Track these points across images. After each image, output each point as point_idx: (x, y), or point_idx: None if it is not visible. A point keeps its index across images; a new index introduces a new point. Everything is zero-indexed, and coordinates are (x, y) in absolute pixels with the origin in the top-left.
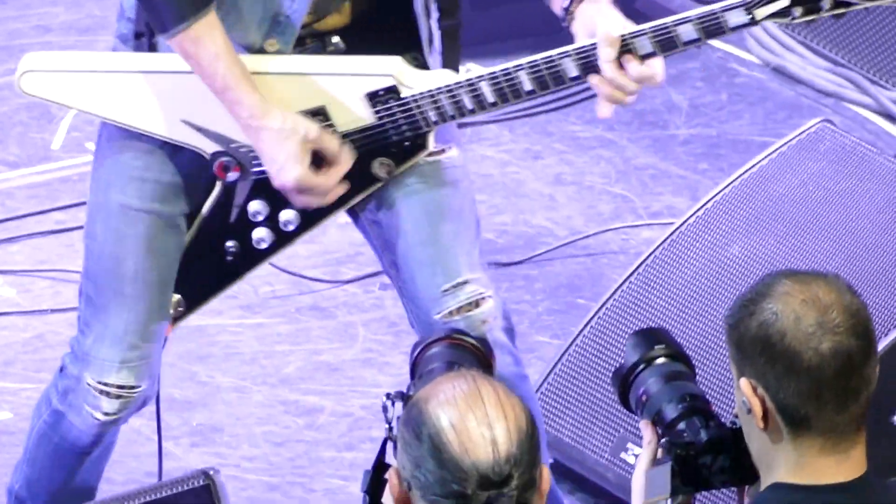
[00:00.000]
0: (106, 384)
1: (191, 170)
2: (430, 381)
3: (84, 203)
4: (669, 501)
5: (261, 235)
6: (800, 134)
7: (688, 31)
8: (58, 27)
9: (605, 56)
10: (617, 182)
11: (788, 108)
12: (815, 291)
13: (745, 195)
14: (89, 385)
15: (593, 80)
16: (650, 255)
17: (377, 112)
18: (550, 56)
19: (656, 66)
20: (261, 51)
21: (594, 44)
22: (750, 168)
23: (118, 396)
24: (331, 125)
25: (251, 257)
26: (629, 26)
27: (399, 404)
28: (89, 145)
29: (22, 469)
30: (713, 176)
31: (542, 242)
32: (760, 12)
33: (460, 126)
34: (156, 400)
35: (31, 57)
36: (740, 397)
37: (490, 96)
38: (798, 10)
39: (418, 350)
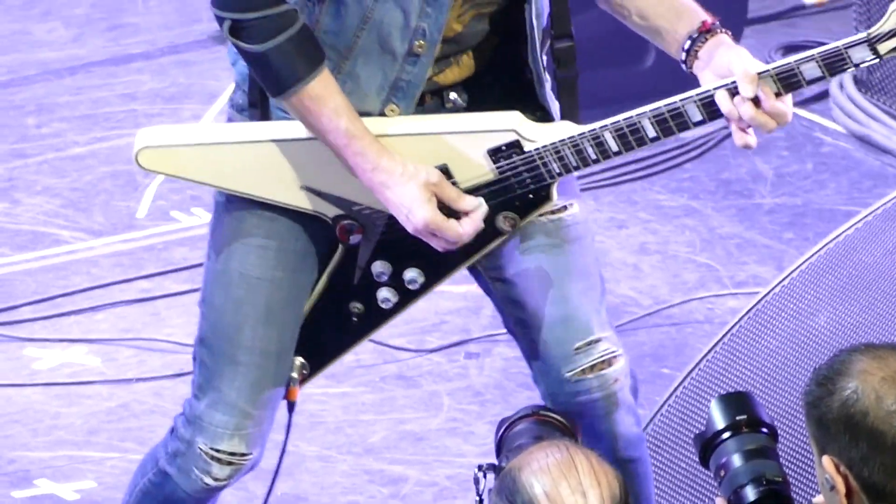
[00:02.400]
0: (218, 450)
1: (313, 235)
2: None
3: (169, 271)
4: None
5: (385, 295)
6: (885, 203)
7: (811, 70)
8: (143, 95)
9: (746, 92)
10: (702, 251)
11: (874, 178)
12: (894, 367)
13: (830, 265)
14: (201, 450)
15: (729, 111)
16: (735, 324)
17: (499, 167)
18: (673, 102)
19: (788, 103)
20: (381, 115)
21: (712, 88)
22: (835, 237)
23: (229, 463)
24: (454, 182)
25: (376, 317)
26: (761, 65)
27: (491, 476)
28: (175, 214)
29: None
30: (798, 245)
31: (627, 312)
32: (884, 47)
33: None
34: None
35: (146, 132)
36: (822, 475)
37: (614, 145)
38: None
39: (505, 427)
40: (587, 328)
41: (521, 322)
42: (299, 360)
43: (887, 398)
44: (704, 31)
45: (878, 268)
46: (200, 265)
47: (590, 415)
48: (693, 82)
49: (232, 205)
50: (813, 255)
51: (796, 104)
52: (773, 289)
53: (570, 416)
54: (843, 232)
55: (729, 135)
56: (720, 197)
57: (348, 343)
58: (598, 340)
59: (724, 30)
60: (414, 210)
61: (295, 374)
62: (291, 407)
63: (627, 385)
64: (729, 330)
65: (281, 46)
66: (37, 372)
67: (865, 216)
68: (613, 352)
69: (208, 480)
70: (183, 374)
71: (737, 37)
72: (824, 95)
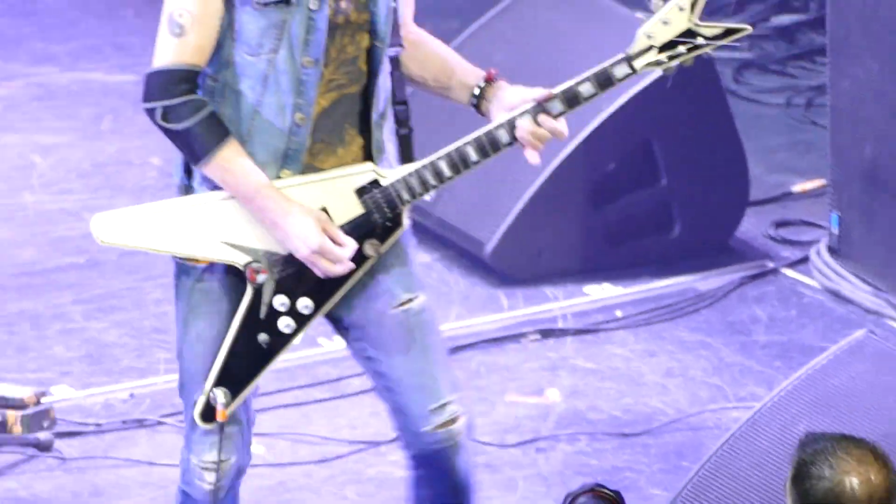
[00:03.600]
0: (204, 462)
1: (233, 286)
2: None
3: (315, 384)
4: None
5: (287, 322)
6: (850, 340)
7: (587, 88)
8: None
9: (553, 108)
10: (713, 375)
11: (843, 322)
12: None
13: (809, 386)
14: (195, 464)
15: (521, 134)
16: (737, 429)
17: (363, 201)
18: (489, 129)
19: (563, 124)
20: (276, 179)
21: (517, 113)
22: (812, 366)
23: (214, 469)
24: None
25: (280, 343)
26: (545, 90)
27: None
28: (320, 340)
29: None
30: (785, 372)
31: (657, 419)
32: (638, 63)
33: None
34: None
35: (99, 216)
36: None
37: (447, 170)
38: (664, 57)
39: (569, 500)
40: (439, 394)
41: (386, 388)
42: (221, 389)
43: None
44: (489, 80)
45: (845, 389)
46: (338, 379)
47: (439, 458)
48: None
49: (179, 280)
50: (796, 379)
51: (786, 266)
52: (765, 404)
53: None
54: (819, 362)
55: (734, 288)
56: (727, 335)
57: (258, 370)
58: (447, 403)
59: (502, 78)
60: (309, 237)
61: (223, 400)
62: (221, 427)
63: (465, 433)
64: (732, 433)
65: (198, 123)
66: None
67: (835, 350)
68: (458, 412)
69: (205, 486)
70: (326, 460)
71: (739, 216)
72: (806, 260)
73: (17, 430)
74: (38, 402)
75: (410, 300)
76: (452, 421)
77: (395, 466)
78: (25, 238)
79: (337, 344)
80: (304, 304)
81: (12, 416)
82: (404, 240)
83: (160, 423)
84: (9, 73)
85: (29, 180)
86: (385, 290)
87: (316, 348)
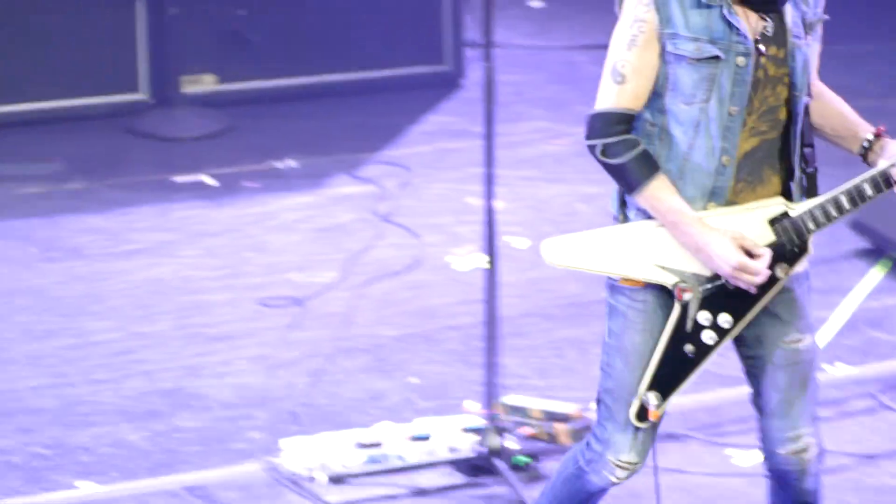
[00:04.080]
0: (620, 461)
1: (662, 303)
2: None
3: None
4: None
5: (710, 335)
6: None
7: None
8: None
9: None
10: None
11: None
12: None
13: None
14: (609, 460)
15: None
16: None
17: (775, 230)
18: (883, 169)
19: None
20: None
21: None
22: None
23: (626, 469)
24: None
25: (702, 354)
26: None
27: None
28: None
29: (546, 496)
30: None
31: None
32: None
33: None
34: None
35: (548, 241)
36: None
37: (846, 204)
38: None
39: None
40: (797, 425)
41: (756, 405)
42: (654, 393)
43: None
44: (878, 135)
45: None
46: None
47: (788, 478)
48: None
49: (615, 299)
50: None
51: None
52: None
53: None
54: None
55: None
56: None
57: (684, 377)
58: (803, 435)
59: (887, 135)
60: (730, 257)
61: (655, 402)
62: (655, 426)
63: (815, 462)
64: None
65: (632, 159)
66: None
67: None
68: (811, 443)
69: (613, 479)
70: (833, 471)
71: None
72: None
73: (566, 441)
74: (581, 417)
75: (801, 340)
76: (804, 450)
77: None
78: (571, 274)
79: (840, 370)
80: (725, 319)
81: (561, 428)
82: (802, 285)
83: (687, 436)
84: (557, 132)
85: (573, 226)
86: (783, 325)
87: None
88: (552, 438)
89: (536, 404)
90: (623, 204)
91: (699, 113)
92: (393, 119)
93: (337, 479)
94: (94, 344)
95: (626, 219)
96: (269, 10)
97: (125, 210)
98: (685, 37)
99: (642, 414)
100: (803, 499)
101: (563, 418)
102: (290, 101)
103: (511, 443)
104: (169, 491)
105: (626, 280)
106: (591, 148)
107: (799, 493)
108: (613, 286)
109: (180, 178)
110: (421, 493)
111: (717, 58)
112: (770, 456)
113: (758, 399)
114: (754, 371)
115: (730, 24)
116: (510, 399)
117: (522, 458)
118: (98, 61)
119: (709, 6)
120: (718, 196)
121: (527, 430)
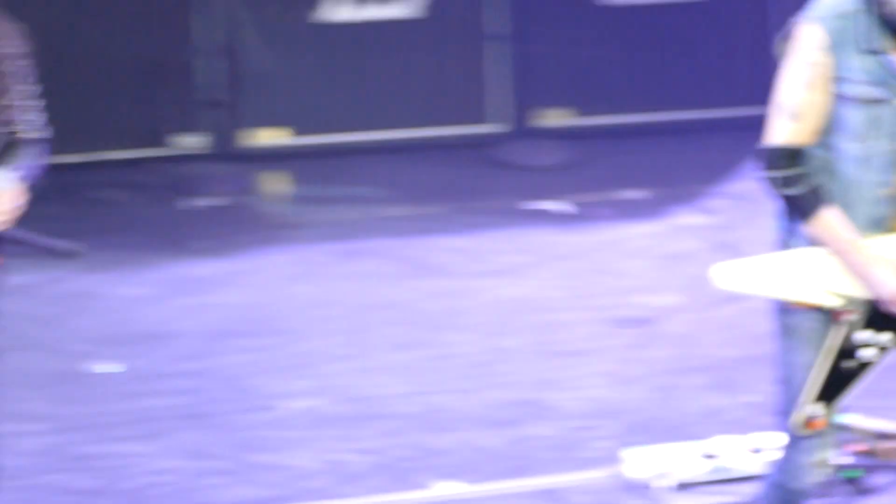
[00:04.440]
0: (814, 461)
1: (823, 320)
2: None
3: None
4: None
5: (869, 353)
6: None
7: None
8: None
9: None
10: None
11: None
12: None
13: None
14: (804, 464)
15: None
16: None
17: None
18: None
19: None
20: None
21: None
22: None
23: (822, 466)
24: None
25: (863, 367)
26: None
27: None
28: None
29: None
30: None
31: None
32: None
33: None
34: None
35: (719, 266)
36: None
37: None
38: None
39: None
40: None
41: None
42: (821, 404)
43: None
44: None
45: None
46: None
47: None
48: None
49: (787, 320)
50: None
51: None
52: None
53: None
54: None
55: None
56: None
57: (844, 388)
58: None
59: None
60: (891, 283)
61: (821, 413)
62: (824, 433)
63: None
64: None
65: (809, 191)
66: None
67: None
68: None
69: (814, 480)
70: None
71: None
72: None
73: (891, 457)
74: None
75: None
76: None
77: None
78: None
79: None
80: (886, 337)
81: (887, 446)
82: None
83: None
84: None
85: None
86: None
87: None
88: (880, 455)
89: (866, 423)
90: (789, 231)
91: (865, 149)
92: (734, 155)
93: (682, 486)
94: (455, 356)
95: (789, 245)
96: (623, 47)
97: (484, 233)
98: (854, 80)
99: (810, 423)
100: None
101: (889, 436)
102: (638, 135)
103: (842, 458)
104: (525, 493)
105: (798, 303)
106: (772, 180)
107: None
108: (783, 309)
109: (536, 205)
110: None
111: (881, 100)
112: None
113: None
114: None
115: (891, 70)
116: (841, 417)
117: (853, 472)
118: (450, 94)
119: (874, 52)
120: (881, 225)
121: (855, 447)
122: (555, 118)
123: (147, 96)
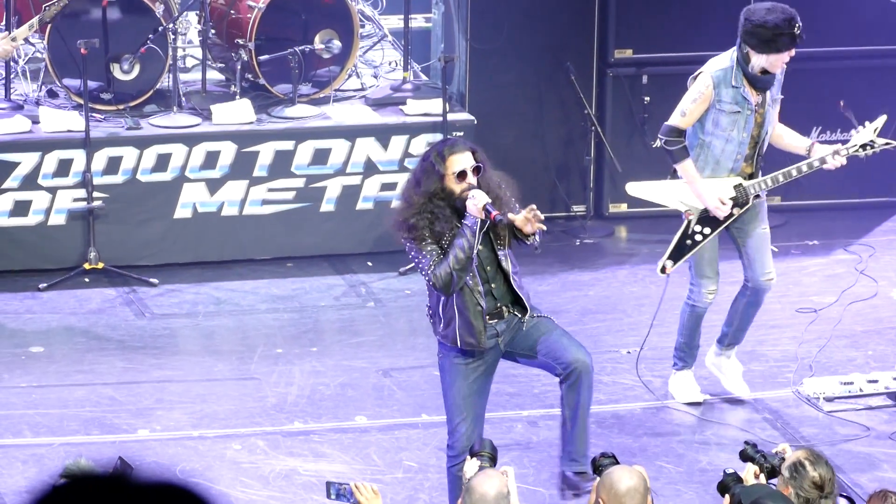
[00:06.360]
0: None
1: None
2: None
3: None
4: None
5: (698, 237)
6: None
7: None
8: None
9: (839, 152)
10: None
11: None
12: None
13: None
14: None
15: (825, 165)
16: None
17: (735, 189)
18: (810, 161)
19: (841, 160)
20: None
21: (825, 155)
22: None
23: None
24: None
25: (695, 244)
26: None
27: None
28: None
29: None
30: None
31: None
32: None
33: None
34: None
35: (632, 184)
36: None
37: (781, 179)
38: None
39: None
40: (769, 268)
41: (742, 244)
42: (671, 261)
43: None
44: (811, 145)
45: None
46: None
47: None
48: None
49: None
50: None
51: None
52: None
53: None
54: None
55: None
56: None
57: (684, 255)
58: (770, 271)
59: (816, 141)
60: (709, 199)
61: (670, 264)
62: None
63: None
64: None
65: (678, 150)
66: None
67: None
68: (773, 277)
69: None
70: None
71: None
72: None
73: None
74: None
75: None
76: (771, 280)
77: None
78: None
79: None
80: (709, 230)
81: None
82: (760, 212)
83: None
84: None
85: None
86: (747, 220)
87: None
88: None
89: None
90: (674, 172)
91: (728, 136)
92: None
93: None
94: None
95: (674, 178)
96: None
97: None
98: (725, 101)
99: (662, 270)
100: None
101: None
102: None
103: None
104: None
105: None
106: (665, 141)
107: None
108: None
109: None
110: None
111: (739, 112)
112: (752, 281)
113: (744, 246)
114: (742, 235)
115: (745, 97)
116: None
117: None
118: None
119: (736, 87)
120: (734, 173)
121: None
122: None
123: None
